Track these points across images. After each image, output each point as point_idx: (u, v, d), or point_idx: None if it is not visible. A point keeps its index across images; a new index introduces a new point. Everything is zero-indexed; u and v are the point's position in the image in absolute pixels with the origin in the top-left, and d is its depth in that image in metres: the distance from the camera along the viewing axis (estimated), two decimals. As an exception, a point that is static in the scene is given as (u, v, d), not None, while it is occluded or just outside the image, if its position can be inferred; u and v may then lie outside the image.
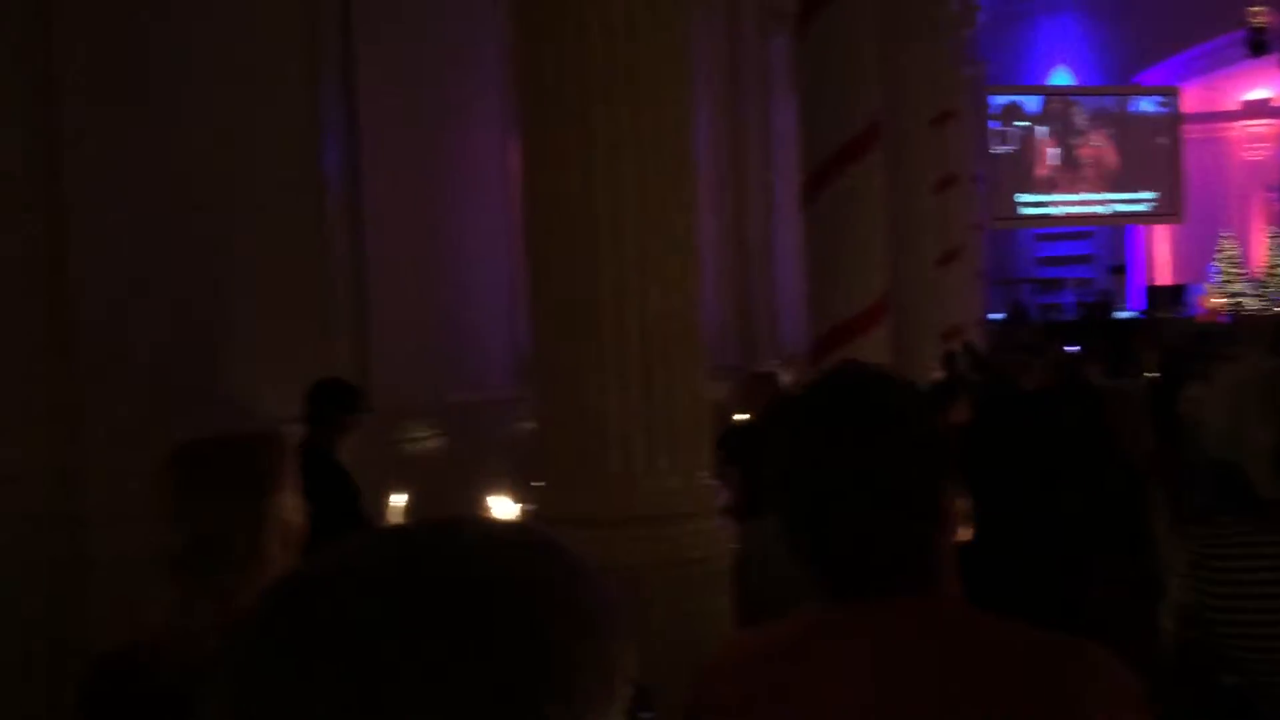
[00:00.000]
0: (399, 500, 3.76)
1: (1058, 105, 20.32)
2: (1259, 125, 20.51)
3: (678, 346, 3.24)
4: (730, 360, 8.59)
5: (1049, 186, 20.28)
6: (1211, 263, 19.90)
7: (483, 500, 3.39)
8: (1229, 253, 19.82)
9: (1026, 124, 20.04)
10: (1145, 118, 20.30)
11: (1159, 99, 20.36)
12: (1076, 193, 20.28)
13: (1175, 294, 19.17)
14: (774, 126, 10.75)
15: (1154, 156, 20.14)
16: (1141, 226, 20.94)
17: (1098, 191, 20.36)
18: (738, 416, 5.75)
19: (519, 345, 5.79)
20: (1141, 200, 20.38)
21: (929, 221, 9.85)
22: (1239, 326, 15.03)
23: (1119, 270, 20.39)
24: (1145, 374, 7.77)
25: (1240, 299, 19.07)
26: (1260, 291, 19.22)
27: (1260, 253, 20.03)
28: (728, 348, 9.04)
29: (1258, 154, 20.47)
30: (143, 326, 4.16)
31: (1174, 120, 20.28)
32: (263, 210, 4.85)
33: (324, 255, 5.27)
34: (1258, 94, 20.30)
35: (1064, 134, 20.26)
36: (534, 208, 3.44)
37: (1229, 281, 19.54)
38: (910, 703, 1.22)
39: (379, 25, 5.61)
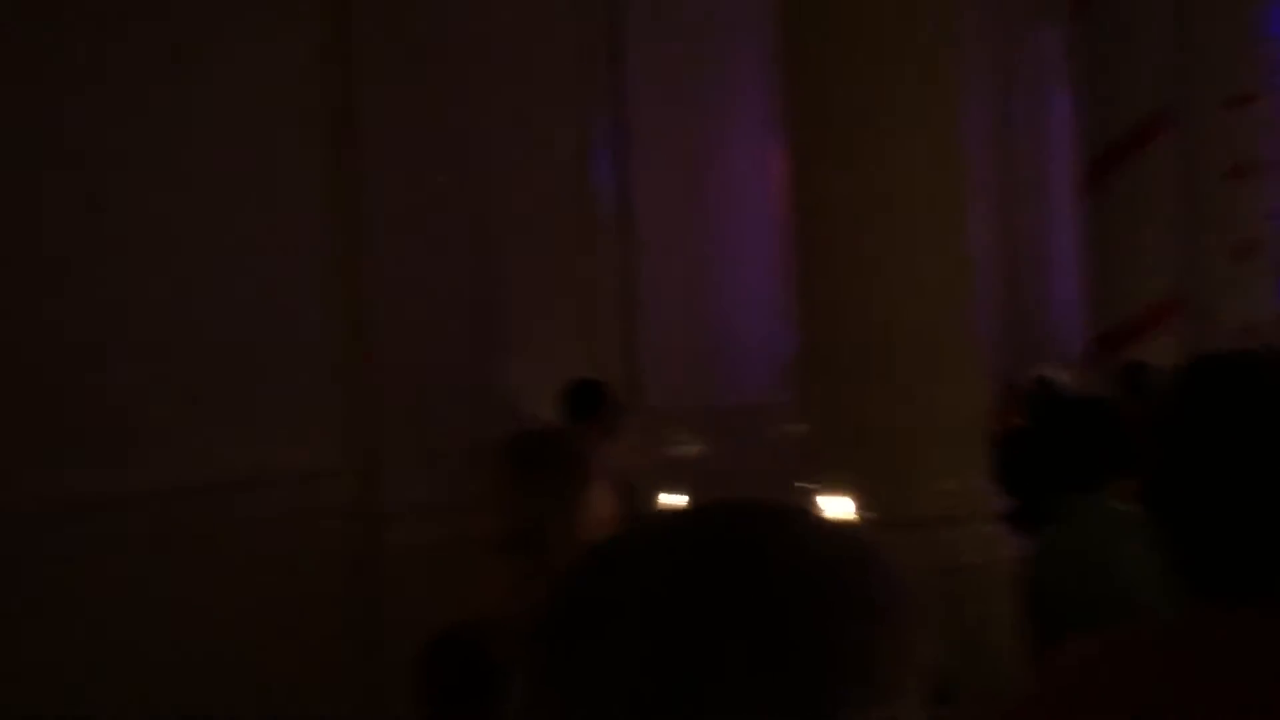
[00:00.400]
0: (672, 500, 3.84)
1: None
2: None
3: (951, 346, 3.16)
4: (1000, 363, 8.27)
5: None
6: None
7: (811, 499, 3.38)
8: None
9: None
10: None
11: None
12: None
13: None
14: (1046, 119, 10.27)
15: None
16: None
17: None
18: (1006, 422, 5.53)
19: (785, 349, 5.80)
20: None
21: (1223, 212, 9.15)
22: None
23: None
24: None
25: None
26: None
27: None
28: (997, 350, 8.71)
29: None
30: (433, 333, 4.44)
31: None
32: (539, 220, 5.07)
33: (595, 263, 5.44)
34: None
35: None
36: (800, 211, 3.44)
37: None
38: None
39: (646, 38, 5.75)
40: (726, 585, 0.65)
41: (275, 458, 3.80)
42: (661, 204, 5.82)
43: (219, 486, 3.58)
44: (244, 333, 3.79)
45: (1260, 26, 13.32)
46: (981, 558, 2.91)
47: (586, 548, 1.82)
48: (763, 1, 6.14)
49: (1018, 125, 10.01)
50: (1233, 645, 1.18)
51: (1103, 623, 1.33)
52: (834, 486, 3.06)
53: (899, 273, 3.13)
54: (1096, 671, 1.27)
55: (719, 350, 6.18)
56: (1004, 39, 9.77)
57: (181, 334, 3.60)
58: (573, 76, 5.38)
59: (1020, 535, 3.06)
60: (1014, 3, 9.96)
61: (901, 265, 3.13)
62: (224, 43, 3.79)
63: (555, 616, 0.69)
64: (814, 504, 3.09)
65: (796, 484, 3.38)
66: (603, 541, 0.74)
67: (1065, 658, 1.37)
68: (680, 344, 5.85)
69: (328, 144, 4.14)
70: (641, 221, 5.67)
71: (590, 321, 5.37)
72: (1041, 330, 10.21)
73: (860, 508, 2.86)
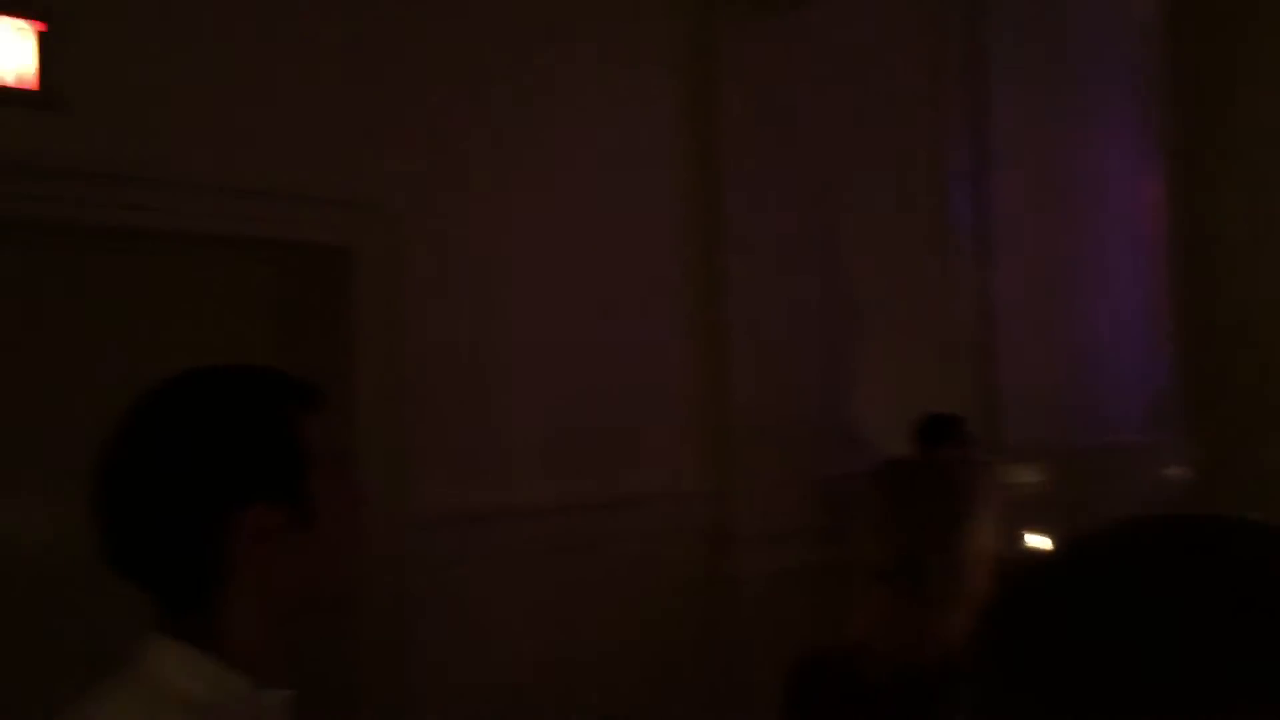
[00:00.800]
0: (1037, 542, 3.67)
1: None
2: None
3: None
4: None
5: None
6: None
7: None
8: None
9: None
10: None
11: None
12: None
13: None
14: None
15: None
16: None
17: None
18: None
19: (1161, 385, 5.39)
20: None
21: None
22: None
23: None
24: None
25: None
26: None
27: None
28: None
29: None
30: (786, 365, 4.48)
31: None
32: (894, 250, 5.01)
33: (952, 294, 5.31)
34: None
35: None
36: (1184, 238, 3.20)
37: None
38: None
39: (1008, 57, 5.57)
40: (1221, 592, 0.62)
41: (644, 480, 4.00)
42: (1023, 232, 5.60)
43: (594, 505, 3.82)
44: (619, 368, 4.00)
45: None
46: None
47: (972, 584, 1.75)
48: (1139, 21, 5.79)
49: None
50: None
51: None
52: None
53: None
54: None
55: (1084, 386, 5.84)
56: None
57: (573, 371, 3.86)
58: (930, 101, 5.29)
59: None
60: None
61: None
62: (592, 79, 4.02)
63: (1027, 623, 0.67)
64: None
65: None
66: (1065, 548, 0.72)
67: None
68: (1041, 379, 5.59)
69: (689, 181, 4.29)
70: (1001, 250, 5.48)
71: (946, 354, 5.24)
72: None
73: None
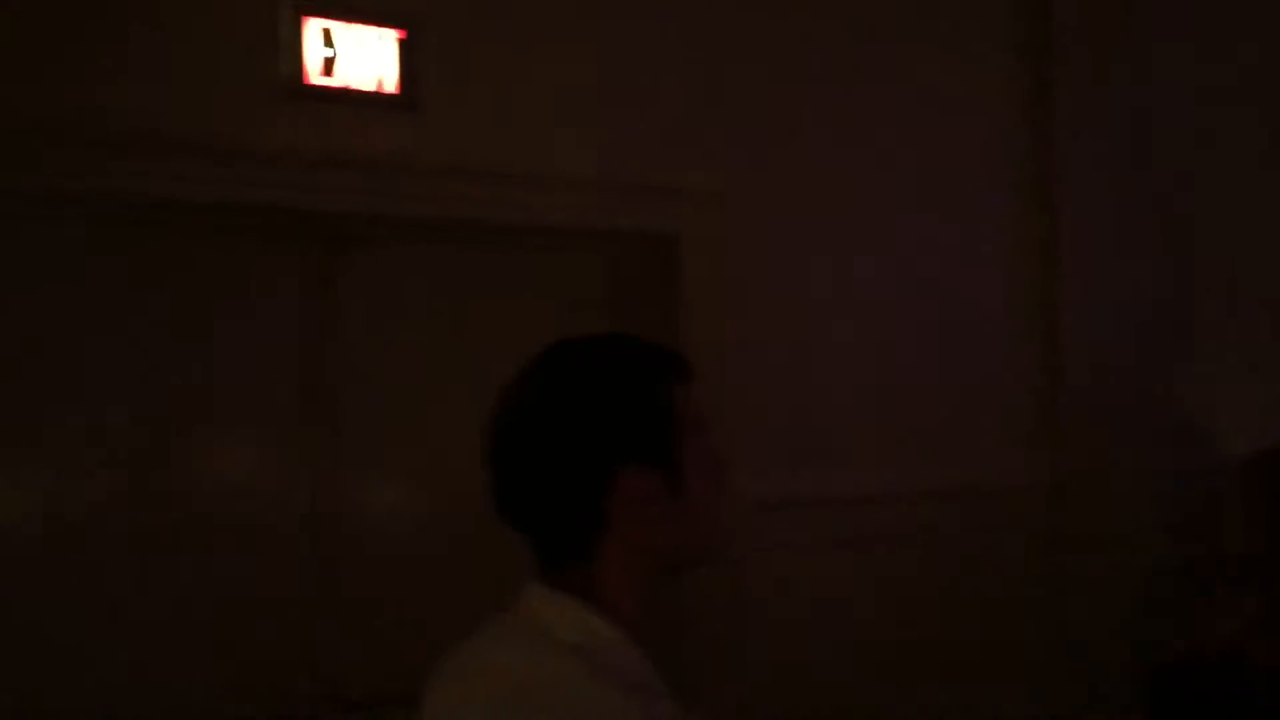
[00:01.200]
0: None
1: None
2: None
3: None
4: None
5: None
6: None
7: None
8: None
9: None
10: None
11: None
12: None
13: None
14: None
15: None
16: None
17: None
18: None
19: None
20: None
21: None
22: None
23: None
24: None
25: None
26: None
27: None
28: None
29: None
30: (1127, 354, 4.20)
31: None
32: (1260, 225, 4.59)
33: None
34: None
35: None
36: None
37: None
38: None
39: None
40: None
41: (974, 472, 3.87)
42: None
43: (921, 496, 3.73)
44: (948, 355, 3.90)
45: None
46: None
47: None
48: None
49: None
50: None
51: None
52: None
53: None
54: None
55: None
56: None
57: (899, 358, 3.79)
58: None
59: None
60: None
61: None
62: (922, 69, 3.91)
63: None
64: None
65: None
66: None
67: None
68: None
69: (1021, 155, 4.11)
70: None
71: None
72: None
73: None
